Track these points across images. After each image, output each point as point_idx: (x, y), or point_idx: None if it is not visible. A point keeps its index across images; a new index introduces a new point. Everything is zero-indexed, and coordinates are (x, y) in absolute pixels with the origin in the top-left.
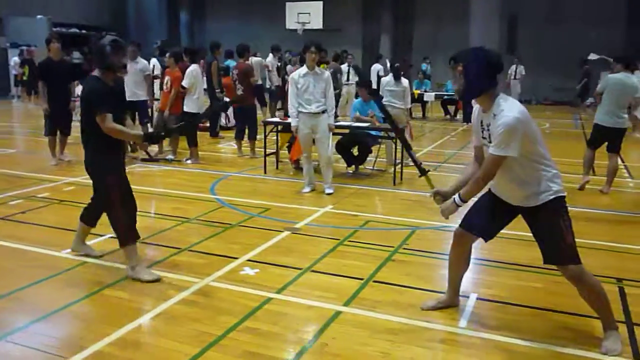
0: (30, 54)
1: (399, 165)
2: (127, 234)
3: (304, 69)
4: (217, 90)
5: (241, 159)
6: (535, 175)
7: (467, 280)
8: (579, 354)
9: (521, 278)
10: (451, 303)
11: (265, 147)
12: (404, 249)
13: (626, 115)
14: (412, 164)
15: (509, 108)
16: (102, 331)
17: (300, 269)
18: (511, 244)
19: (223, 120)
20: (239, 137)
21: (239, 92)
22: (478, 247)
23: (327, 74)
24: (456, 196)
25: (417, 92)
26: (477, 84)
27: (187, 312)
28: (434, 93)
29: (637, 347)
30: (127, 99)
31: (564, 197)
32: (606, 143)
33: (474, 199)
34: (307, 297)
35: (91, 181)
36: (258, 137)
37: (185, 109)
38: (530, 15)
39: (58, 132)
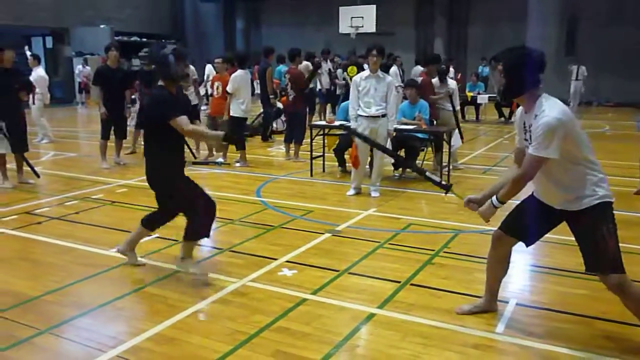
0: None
1: (446, 168)
2: (198, 233)
3: (366, 72)
4: (271, 97)
5: (289, 162)
6: (579, 179)
7: (507, 285)
8: None
9: (565, 284)
10: (489, 308)
11: (311, 150)
12: (445, 252)
13: None
14: (461, 167)
15: (550, 108)
16: (140, 327)
17: (337, 270)
18: (556, 249)
19: (274, 124)
20: (287, 141)
21: (291, 98)
22: (521, 251)
23: (390, 78)
24: (494, 198)
25: (470, 94)
26: (518, 84)
27: (222, 311)
28: (487, 95)
29: None
30: None
31: (611, 203)
32: None
33: (515, 202)
34: (342, 298)
35: (153, 191)
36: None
37: (231, 113)
38: (591, 15)
39: (114, 137)
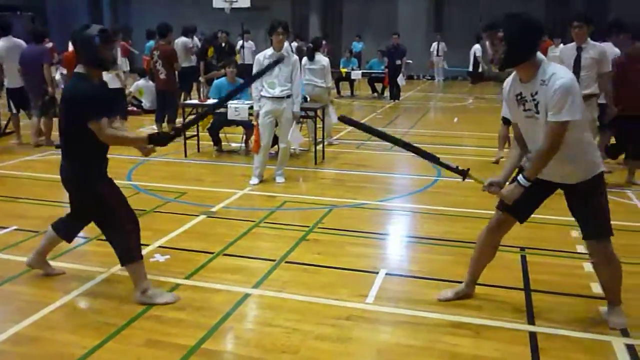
0: None
1: (321, 145)
2: (133, 250)
3: (269, 50)
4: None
5: None
6: (585, 145)
7: (376, 256)
8: (481, 322)
9: (432, 251)
10: (470, 293)
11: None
12: (319, 227)
13: None
14: (335, 142)
15: (560, 70)
16: None
17: (212, 253)
18: (425, 219)
19: (145, 102)
20: (159, 121)
21: (162, 76)
22: (391, 223)
23: (295, 57)
24: (520, 177)
25: (344, 70)
26: (521, 51)
27: (90, 304)
28: (361, 71)
29: (533, 312)
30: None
31: (603, 172)
32: None
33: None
34: (216, 281)
35: (68, 194)
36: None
37: None
38: None
39: None
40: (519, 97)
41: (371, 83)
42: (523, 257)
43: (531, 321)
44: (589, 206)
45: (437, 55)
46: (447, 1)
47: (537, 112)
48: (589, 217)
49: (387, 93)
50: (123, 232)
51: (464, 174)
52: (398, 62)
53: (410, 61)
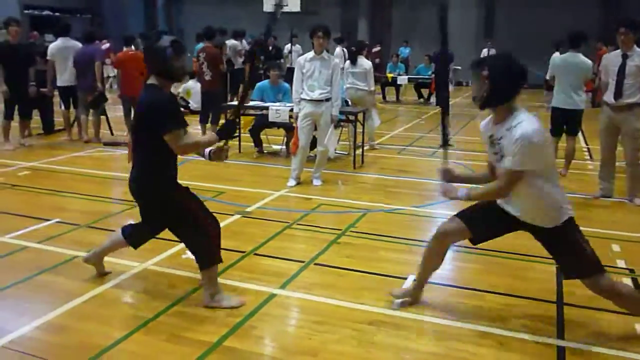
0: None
1: (360, 149)
2: (215, 254)
3: (310, 54)
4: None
5: None
6: (549, 195)
7: (406, 262)
8: (507, 334)
9: (463, 260)
10: (416, 297)
11: None
12: (352, 231)
13: (582, 96)
14: (377, 146)
15: (528, 120)
16: (31, 315)
17: (243, 252)
18: None
19: (192, 103)
20: (203, 122)
21: (207, 77)
22: (419, 228)
23: (336, 60)
24: (466, 190)
25: (390, 75)
26: (503, 91)
27: (120, 296)
28: (407, 76)
29: (564, 326)
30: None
31: (573, 217)
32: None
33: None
34: (245, 280)
35: (137, 203)
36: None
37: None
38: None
39: (19, 117)
40: (491, 138)
41: (417, 89)
42: (558, 269)
43: (561, 335)
44: (568, 250)
45: None
46: (497, 7)
47: (502, 157)
48: (570, 259)
49: (433, 99)
50: (207, 235)
51: (445, 142)
52: None
53: (459, 67)
